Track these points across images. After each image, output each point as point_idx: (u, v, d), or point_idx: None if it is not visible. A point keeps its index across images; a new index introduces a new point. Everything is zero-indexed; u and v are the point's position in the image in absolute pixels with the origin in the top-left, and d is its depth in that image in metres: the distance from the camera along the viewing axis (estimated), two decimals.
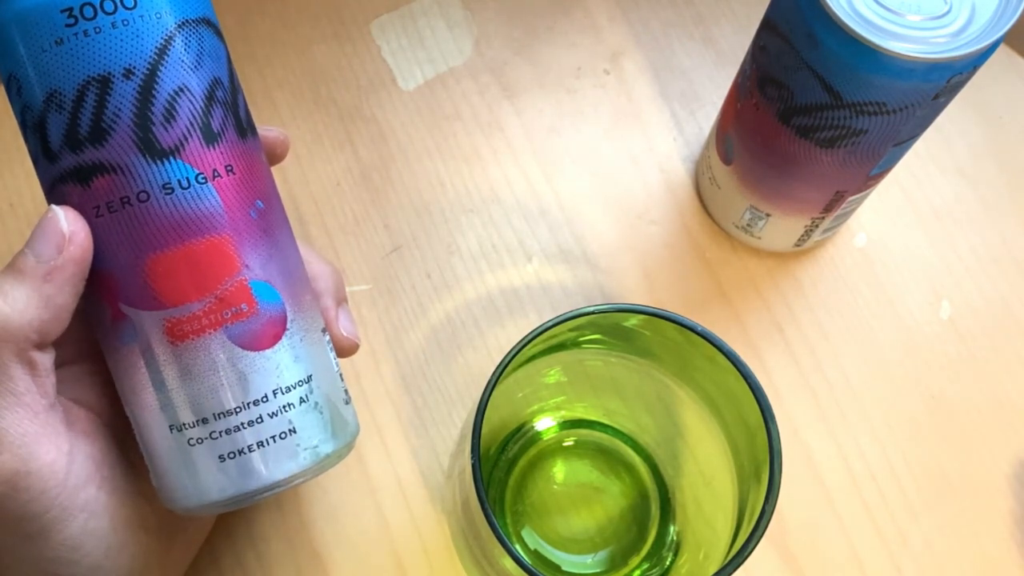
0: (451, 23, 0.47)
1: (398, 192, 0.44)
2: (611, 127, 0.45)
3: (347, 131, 0.45)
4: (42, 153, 0.28)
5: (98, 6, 0.26)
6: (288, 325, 0.29)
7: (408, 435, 0.40)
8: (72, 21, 0.26)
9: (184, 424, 0.28)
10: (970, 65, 0.31)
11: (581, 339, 0.33)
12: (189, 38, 0.28)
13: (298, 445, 0.29)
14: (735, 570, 0.27)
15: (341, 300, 0.33)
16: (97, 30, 0.26)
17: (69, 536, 0.28)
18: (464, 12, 0.47)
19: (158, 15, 0.27)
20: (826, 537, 0.40)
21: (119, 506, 0.30)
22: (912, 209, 0.45)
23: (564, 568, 0.38)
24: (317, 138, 0.44)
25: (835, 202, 0.38)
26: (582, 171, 0.45)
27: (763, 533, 0.27)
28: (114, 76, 0.27)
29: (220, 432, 0.28)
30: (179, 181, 0.27)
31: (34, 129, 0.28)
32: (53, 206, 0.27)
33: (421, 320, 0.42)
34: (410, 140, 0.45)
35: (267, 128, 0.31)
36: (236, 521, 0.38)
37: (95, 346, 0.30)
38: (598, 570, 0.38)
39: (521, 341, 0.28)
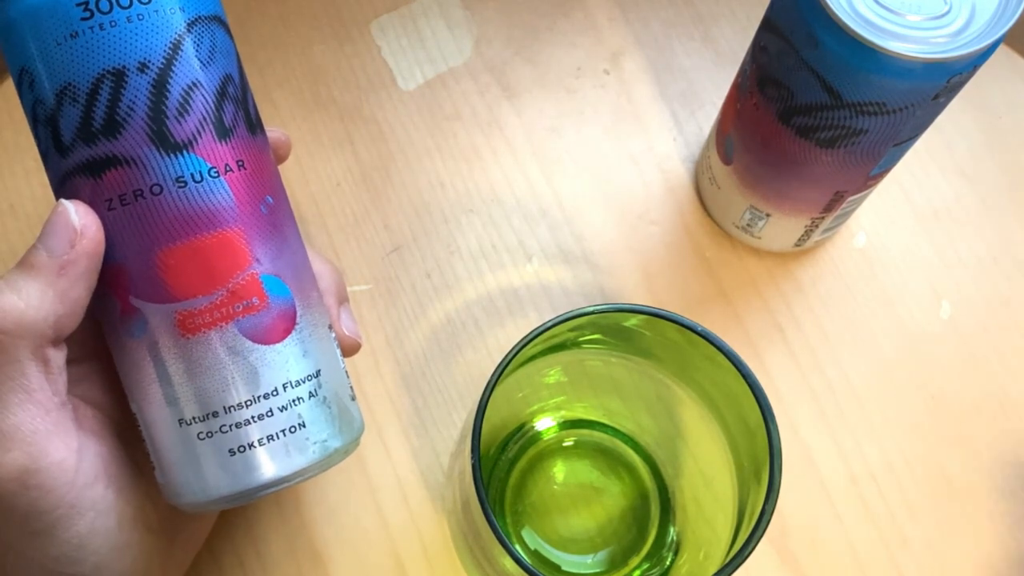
0: (451, 23, 0.47)
1: (398, 192, 0.44)
2: (611, 127, 0.45)
3: (347, 131, 0.45)
4: (53, 147, 0.28)
5: (114, 0, 0.26)
6: (297, 320, 0.29)
7: (408, 435, 0.40)
8: (88, 15, 0.26)
9: (193, 418, 0.28)
10: (970, 65, 0.31)
11: (581, 339, 0.33)
12: (202, 34, 0.28)
13: (307, 439, 0.29)
14: (735, 570, 0.27)
15: (343, 299, 0.33)
16: (112, 24, 0.27)
17: (75, 534, 0.28)
18: (464, 12, 0.47)
19: (172, 11, 0.27)
20: (826, 537, 0.40)
21: (125, 505, 0.30)
22: (912, 209, 0.45)
23: (564, 568, 0.38)
24: (317, 138, 0.44)
25: (835, 202, 0.38)
26: (582, 171, 0.45)
27: (763, 533, 0.27)
28: (129, 70, 0.27)
29: (229, 426, 0.28)
30: (192, 175, 0.27)
31: (46, 123, 0.28)
32: (63, 200, 0.27)
33: (421, 320, 0.42)
34: (410, 140, 0.45)
35: (269, 128, 0.32)
36: (236, 521, 0.38)
37: (102, 344, 0.30)
38: (598, 570, 0.38)
39: (521, 341, 0.28)
